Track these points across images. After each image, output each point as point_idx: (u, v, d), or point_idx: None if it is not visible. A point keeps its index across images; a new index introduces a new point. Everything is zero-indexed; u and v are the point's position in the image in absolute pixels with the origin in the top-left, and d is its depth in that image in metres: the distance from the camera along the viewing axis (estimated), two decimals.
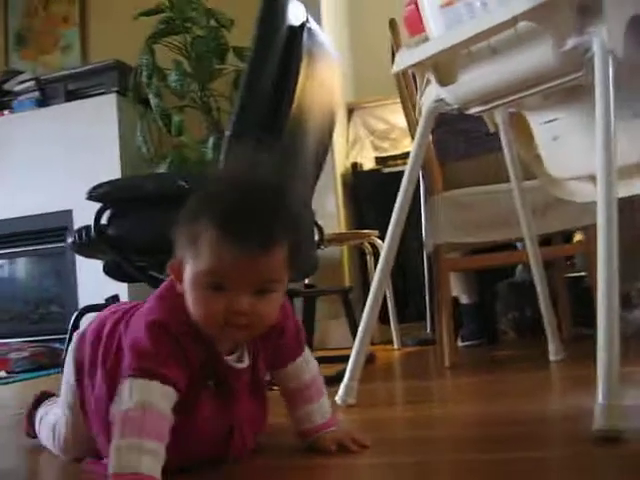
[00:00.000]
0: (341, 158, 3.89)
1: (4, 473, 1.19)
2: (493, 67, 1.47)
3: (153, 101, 3.52)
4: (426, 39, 1.59)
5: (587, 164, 1.45)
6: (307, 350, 1.18)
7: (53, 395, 1.37)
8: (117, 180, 2.42)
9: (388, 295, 3.10)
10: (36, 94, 4.22)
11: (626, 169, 1.68)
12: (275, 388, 1.20)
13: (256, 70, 1.99)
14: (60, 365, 3.03)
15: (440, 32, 1.53)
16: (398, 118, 3.53)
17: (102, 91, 4.07)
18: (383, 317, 3.18)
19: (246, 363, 1.07)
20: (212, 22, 3.54)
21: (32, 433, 1.35)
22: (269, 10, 2.04)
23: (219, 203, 0.95)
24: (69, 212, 4.02)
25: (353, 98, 4.19)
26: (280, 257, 0.96)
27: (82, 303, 4.02)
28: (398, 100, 2.52)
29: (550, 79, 1.44)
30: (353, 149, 4.09)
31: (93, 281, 3.79)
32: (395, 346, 3.11)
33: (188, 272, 0.97)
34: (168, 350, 0.97)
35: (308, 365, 1.17)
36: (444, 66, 1.59)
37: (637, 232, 2.67)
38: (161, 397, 0.94)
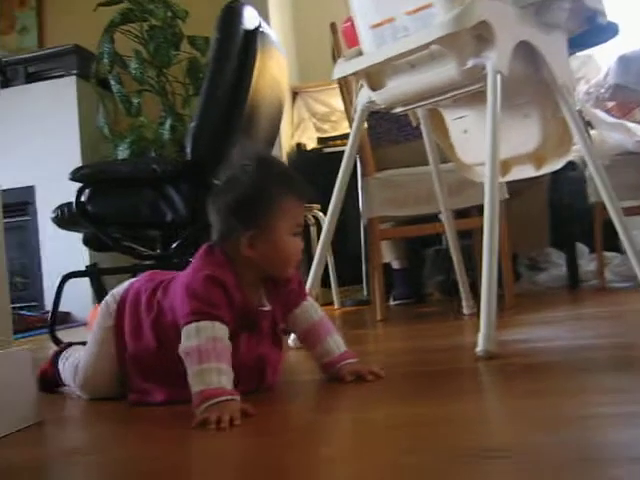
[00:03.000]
0: (287, 138, 4.24)
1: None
2: (412, 78, 1.86)
3: (115, 87, 3.82)
4: (360, 51, 1.96)
5: None
6: (312, 299, 1.42)
7: (73, 345, 1.58)
8: (96, 164, 2.72)
9: (329, 261, 3.48)
10: None
11: (519, 157, 2.09)
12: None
13: (217, 70, 2.33)
14: (28, 330, 3.33)
15: (370, 47, 1.90)
16: (338, 102, 3.85)
17: (62, 74, 4.32)
18: (325, 281, 3.56)
19: (268, 307, 1.31)
20: (168, 13, 3.83)
21: (51, 376, 1.52)
22: (227, 17, 2.38)
23: (279, 178, 1.27)
24: (32, 188, 4.30)
25: (297, 82, 4.53)
26: None
27: (45, 274, 4.32)
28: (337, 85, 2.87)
29: (456, 89, 1.83)
30: (297, 130, 4.44)
31: (55, 253, 4.10)
32: (335, 306, 3.49)
33: (276, 230, 1.24)
34: (221, 297, 1.20)
35: (314, 307, 1.40)
36: (374, 75, 1.96)
37: (541, 206, 3.12)
38: (223, 333, 1.17)
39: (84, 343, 1.48)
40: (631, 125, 2.97)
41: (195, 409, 1.11)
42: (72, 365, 1.47)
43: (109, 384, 1.38)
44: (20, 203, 4.32)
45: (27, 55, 4.46)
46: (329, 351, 1.36)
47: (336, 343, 1.38)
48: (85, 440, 1.18)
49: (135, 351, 1.32)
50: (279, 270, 1.30)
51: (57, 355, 1.56)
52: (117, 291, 1.42)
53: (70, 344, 1.58)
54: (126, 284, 1.42)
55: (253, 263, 1.27)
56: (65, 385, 1.51)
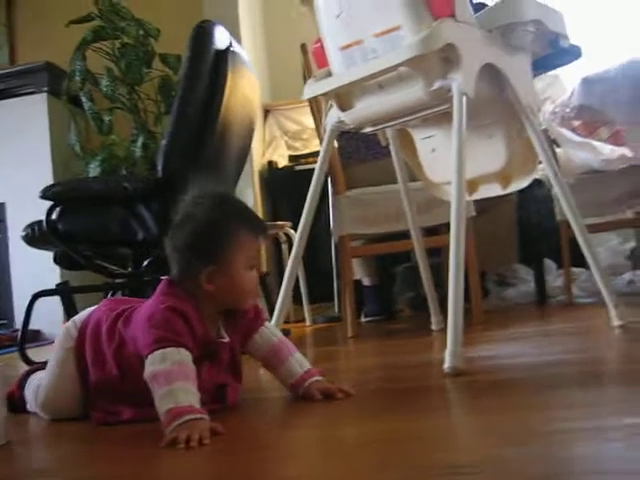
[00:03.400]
0: (258, 156, 4.26)
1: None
2: (380, 99, 1.89)
3: (86, 104, 3.81)
4: (329, 72, 1.99)
5: None
6: (270, 324, 1.46)
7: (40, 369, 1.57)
8: (68, 181, 2.72)
9: (301, 278, 3.50)
10: None
11: (486, 176, 2.13)
12: None
13: (187, 90, 2.34)
14: None
15: (339, 68, 1.93)
16: (309, 120, 3.88)
17: (32, 90, 4.31)
18: (296, 298, 3.58)
19: (227, 339, 1.34)
20: (140, 31, 3.84)
21: (18, 399, 1.53)
22: (198, 37, 2.40)
23: (234, 213, 1.31)
24: (2, 205, 4.28)
25: (269, 100, 4.56)
26: None
27: (15, 292, 4.28)
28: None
29: (423, 109, 1.87)
30: (269, 148, 4.46)
31: (26, 271, 4.07)
32: (307, 323, 3.50)
33: (233, 265, 1.28)
34: (183, 327, 1.23)
35: (272, 331, 1.42)
36: (343, 96, 1.99)
37: (510, 223, 3.17)
38: (188, 358, 1.19)
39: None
40: (597, 144, 3.03)
41: (164, 428, 1.11)
42: (34, 386, 1.48)
43: (71, 404, 1.39)
44: None
45: None
46: (292, 372, 1.38)
47: (299, 362, 1.39)
48: (52, 461, 1.18)
49: (98, 379, 1.34)
50: (237, 303, 1.35)
51: (25, 378, 1.56)
52: (78, 318, 1.43)
53: (37, 369, 1.58)
54: (86, 312, 1.43)
55: (212, 297, 1.29)
56: (29, 408, 1.52)
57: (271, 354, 1.40)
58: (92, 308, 1.45)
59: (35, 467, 1.13)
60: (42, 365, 1.58)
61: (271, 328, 1.44)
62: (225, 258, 1.28)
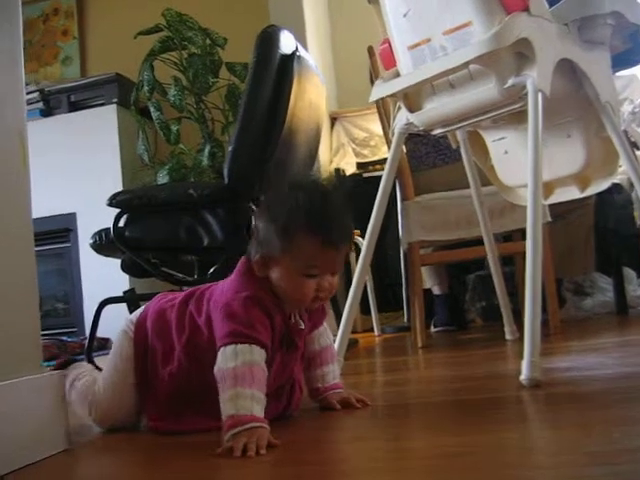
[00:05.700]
0: (325, 164, 4.22)
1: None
2: (451, 98, 1.82)
3: (154, 114, 3.85)
4: (397, 73, 1.93)
5: None
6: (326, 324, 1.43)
7: (74, 362, 1.59)
8: (134, 189, 2.72)
9: (369, 287, 3.43)
10: (40, 104, 4.51)
11: (563, 179, 2.03)
12: None
13: (253, 95, 2.32)
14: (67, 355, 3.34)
15: (408, 68, 1.87)
16: (377, 127, 3.84)
17: (102, 102, 4.39)
18: (364, 308, 3.52)
19: (303, 326, 1.30)
20: (207, 41, 3.86)
21: None
22: (264, 42, 2.37)
23: (307, 211, 1.18)
24: (73, 215, 4.34)
25: (336, 108, 4.52)
26: (346, 247, 1.25)
27: (86, 300, 4.34)
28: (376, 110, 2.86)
29: (496, 108, 1.79)
30: (336, 155, 4.42)
31: (96, 279, 4.13)
32: (375, 333, 3.44)
33: (283, 264, 1.20)
34: (262, 319, 1.19)
35: (327, 333, 1.42)
36: (412, 96, 1.93)
37: (588, 230, 3.04)
38: (260, 357, 1.16)
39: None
40: None
41: (224, 434, 1.09)
42: (82, 394, 1.44)
43: (128, 413, 1.38)
44: (61, 230, 4.36)
45: (70, 84, 4.53)
46: (325, 378, 1.39)
47: (334, 372, 1.41)
48: (110, 469, 1.15)
49: (166, 374, 1.31)
50: (290, 303, 1.26)
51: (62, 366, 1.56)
52: (134, 315, 1.40)
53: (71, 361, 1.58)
54: (140, 310, 1.41)
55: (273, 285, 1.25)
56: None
57: (318, 353, 1.39)
58: (143, 306, 1.42)
59: (93, 473, 1.11)
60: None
61: (327, 329, 1.43)
62: (282, 255, 1.20)
